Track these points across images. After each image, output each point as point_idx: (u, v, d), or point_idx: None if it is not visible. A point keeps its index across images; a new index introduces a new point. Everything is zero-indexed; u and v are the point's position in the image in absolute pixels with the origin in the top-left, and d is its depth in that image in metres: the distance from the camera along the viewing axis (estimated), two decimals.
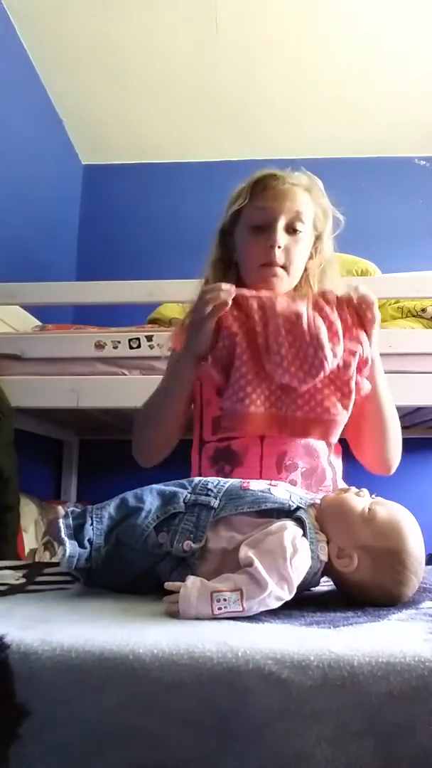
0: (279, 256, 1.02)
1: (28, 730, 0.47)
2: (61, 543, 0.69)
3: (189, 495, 0.72)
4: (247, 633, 0.53)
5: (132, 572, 0.71)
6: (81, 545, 0.69)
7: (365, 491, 0.72)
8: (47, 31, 2.14)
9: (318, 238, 1.09)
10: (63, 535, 0.69)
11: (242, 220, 1.07)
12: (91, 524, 0.70)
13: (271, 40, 2.19)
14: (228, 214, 1.09)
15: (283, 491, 0.72)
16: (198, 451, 1.06)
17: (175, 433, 1.09)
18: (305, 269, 1.09)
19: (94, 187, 2.86)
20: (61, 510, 1.98)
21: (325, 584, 0.71)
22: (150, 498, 0.72)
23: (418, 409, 1.78)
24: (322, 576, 0.68)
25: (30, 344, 1.68)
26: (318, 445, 1.02)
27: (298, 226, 1.04)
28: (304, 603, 0.64)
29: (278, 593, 0.59)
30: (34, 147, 2.33)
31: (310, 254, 1.09)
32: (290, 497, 0.70)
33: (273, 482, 0.76)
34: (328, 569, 0.67)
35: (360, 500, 0.69)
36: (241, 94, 2.45)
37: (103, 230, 2.79)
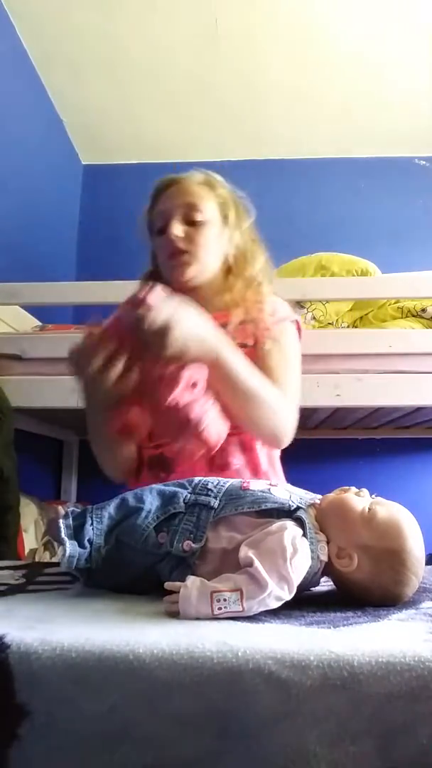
0: (179, 244, 1.05)
1: (28, 730, 0.47)
2: (61, 543, 0.69)
3: (189, 495, 0.72)
4: (247, 633, 0.53)
5: (132, 572, 0.71)
6: (81, 545, 0.69)
7: (365, 491, 0.72)
8: (47, 31, 2.14)
9: (225, 223, 1.10)
10: (63, 535, 0.69)
11: (151, 228, 1.12)
12: (91, 524, 0.70)
13: (272, 40, 2.19)
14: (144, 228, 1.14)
15: (283, 491, 0.72)
16: (138, 457, 1.05)
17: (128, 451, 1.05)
18: (227, 261, 1.10)
19: (94, 187, 2.86)
20: (61, 510, 1.98)
21: (325, 584, 0.71)
22: (150, 498, 0.72)
23: (418, 409, 1.78)
24: (322, 576, 0.68)
25: (30, 344, 1.68)
26: (249, 441, 1.03)
27: (196, 216, 1.06)
28: (304, 603, 0.64)
29: (278, 593, 0.59)
30: (34, 147, 2.33)
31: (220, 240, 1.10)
32: (290, 497, 0.70)
33: (273, 482, 0.76)
34: (328, 569, 0.67)
35: (360, 500, 0.69)
36: (241, 94, 2.45)
37: (103, 230, 2.78)
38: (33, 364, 1.66)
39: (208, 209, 1.07)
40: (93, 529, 0.70)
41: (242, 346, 1.01)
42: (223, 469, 0.99)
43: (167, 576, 0.67)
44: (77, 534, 0.69)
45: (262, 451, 1.05)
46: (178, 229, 1.05)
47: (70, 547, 0.68)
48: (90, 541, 0.69)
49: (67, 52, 2.25)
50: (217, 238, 1.08)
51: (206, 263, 1.07)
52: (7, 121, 2.07)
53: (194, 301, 0.99)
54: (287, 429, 1.01)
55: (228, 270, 1.11)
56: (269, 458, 1.07)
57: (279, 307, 1.11)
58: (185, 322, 0.83)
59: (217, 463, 0.99)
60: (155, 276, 1.13)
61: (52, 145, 2.59)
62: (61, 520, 0.70)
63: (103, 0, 2.02)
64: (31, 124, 2.32)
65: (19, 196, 2.17)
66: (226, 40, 2.18)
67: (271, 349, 1.04)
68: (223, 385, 0.91)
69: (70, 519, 0.71)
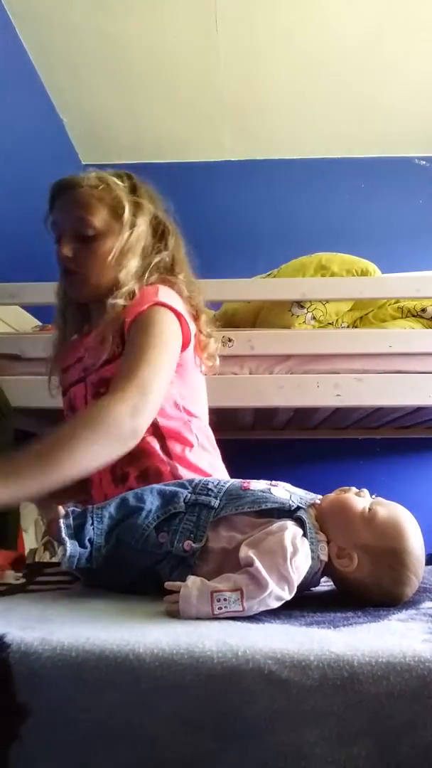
0: (69, 265, 1.04)
1: (28, 730, 0.47)
2: (62, 543, 0.69)
3: (189, 495, 0.72)
4: (247, 633, 0.53)
5: (132, 572, 0.71)
6: (81, 545, 0.69)
7: (365, 491, 0.72)
8: (47, 31, 2.14)
9: (117, 221, 1.05)
10: (63, 535, 0.69)
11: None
12: (92, 524, 0.70)
13: (272, 40, 2.19)
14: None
15: (283, 491, 0.72)
16: None
17: None
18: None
19: None
20: (61, 510, 1.97)
21: (325, 584, 0.71)
22: (150, 498, 0.72)
23: (418, 409, 1.78)
24: (322, 576, 0.68)
25: (30, 344, 1.68)
26: (143, 445, 0.96)
27: (87, 231, 1.03)
28: (304, 603, 0.64)
29: (278, 593, 0.59)
30: (34, 147, 2.33)
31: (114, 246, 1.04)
32: (290, 497, 0.70)
33: (273, 482, 0.76)
34: (328, 569, 0.67)
35: (360, 500, 0.69)
36: (242, 94, 2.45)
37: None
38: (33, 364, 1.66)
39: (99, 220, 1.03)
40: (93, 528, 0.70)
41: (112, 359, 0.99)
42: (125, 479, 0.98)
43: (167, 576, 0.67)
44: (78, 534, 0.70)
45: (156, 451, 0.99)
46: (67, 249, 1.03)
47: (71, 546, 0.68)
48: (90, 541, 0.69)
49: (67, 52, 2.25)
50: (110, 247, 1.03)
51: (99, 278, 1.04)
52: (6, 122, 2.07)
53: (97, 310, 1.06)
54: (122, 430, 0.87)
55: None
56: (166, 455, 1.00)
57: (145, 295, 1.02)
58: None
59: (117, 474, 0.98)
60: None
61: (52, 145, 2.59)
62: (61, 520, 0.70)
63: (102, 0, 2.02)
64: (31, 124, 2.32)
65: (19, 196, 2.17)
66: (226, 40, 2.18)
67: (130, 339, 0.98)
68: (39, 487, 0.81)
69: (71, 519, 0.71)
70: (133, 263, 1.04)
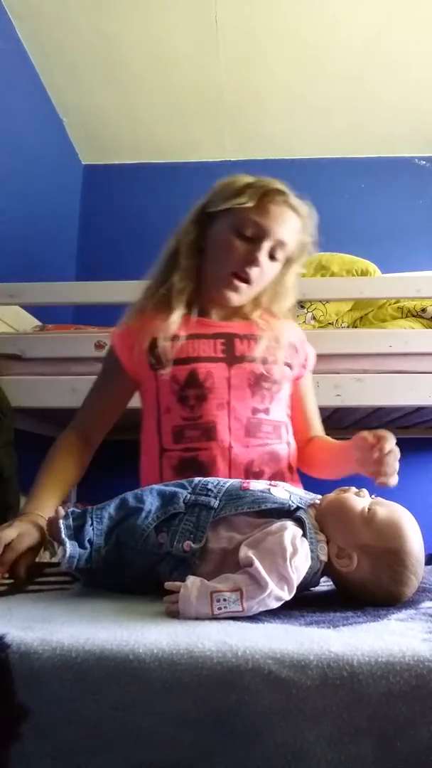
0: (254, 273, 1.03)
1: (28, 730, 0.47)
2: (62, 543, 0.69)
3: (189, 495, 0.72)
4: (247, 633, 0.53)
5: (132, 572, 0.71)
6: (81, 546, 0.69)
7: (365, 491, 0.72)
8: (47, 31, 2.14)
9: (287, 263, 1.09)
10: (63, 535, 0.69)
11: (233, 218, 1.04)
12: (92, 524, 0.70)
13: (271, 40, 2.19)
14: (220, 203, 1.06)
15: (283, 491, 0.72)
16: (158, 458, 1.03)
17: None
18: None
19: (94, 187, 2.86)
20: (61, 510, 1.97)
21: (325, 584, 0.71)
22: (150, 498, 0.72)
23: (418, 409, 1.78)
24: (322, 576, 0.68)
25: (30, 344, 1.68)
26: (281, 449, 1.04)
27: (279, 254, 1.05)
28: (304, 603, 0.64)
29: (278, 593, 0.59)
30: (34, 147, 2.33)
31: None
32: (290, 497, 0.70)
33: (273, 482, 0.76)
34: (328, 569, 0.67)
35: (360, 500, 0.69)
36: (241, 94, 2.45)
37: (103, 230, 2.79)
38: (33, 364, 1.66)
39: (289, 250, 1.06)
40: (93, 529, 0.70)
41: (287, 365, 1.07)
42: (258, 477, 1.00)
43: (167, 576, 0.67)
44: (77, 534, 0.70)
45: (284, 460, 1.06)
46: (261, 260, 1.03)
47: (71, 547, 0.68)
48: (90, 542, 0.69)
49: (67, 52, 2.25)
50: (277, 271, 1.09)
51: (254, 294, 1.09)
52: (7, 122, 2.07)
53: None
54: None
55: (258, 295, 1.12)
56: (289, 467, 1.08)
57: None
58: None
59: (254, 470, 1.00)
60: (197, 247, 1.09)
61: (52, 145, 2.59)
62: (61, 521, 0.70)
63: (103, 0, 2.02)
64: (31, 124, 2.32)
65: (19, 196, 2.17)
66: (226, 40, 2.18)
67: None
68: None
69: (71, 519, 0.71)
70: None
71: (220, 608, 0.58)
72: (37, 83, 2.36)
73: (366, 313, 1.93)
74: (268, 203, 1.02)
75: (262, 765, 0.46)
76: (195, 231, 1.09)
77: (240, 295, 1.06)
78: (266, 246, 1.02)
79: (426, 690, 0.46)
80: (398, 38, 2.16)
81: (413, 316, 1.80)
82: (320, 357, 1.59)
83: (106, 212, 2.81)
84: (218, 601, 0.58)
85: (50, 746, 0.47)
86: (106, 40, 2.19)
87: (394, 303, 1.85)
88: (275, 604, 0.60)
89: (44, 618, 0.58)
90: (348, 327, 1.91)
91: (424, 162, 2.81)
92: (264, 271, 1.05)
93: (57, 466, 1.04)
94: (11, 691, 0.47)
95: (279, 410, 1.07)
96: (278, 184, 1.04)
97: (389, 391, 1.59)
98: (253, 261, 1.02)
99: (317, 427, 1.18)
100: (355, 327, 1.93)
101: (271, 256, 1.04)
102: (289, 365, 1.08)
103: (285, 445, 1.06)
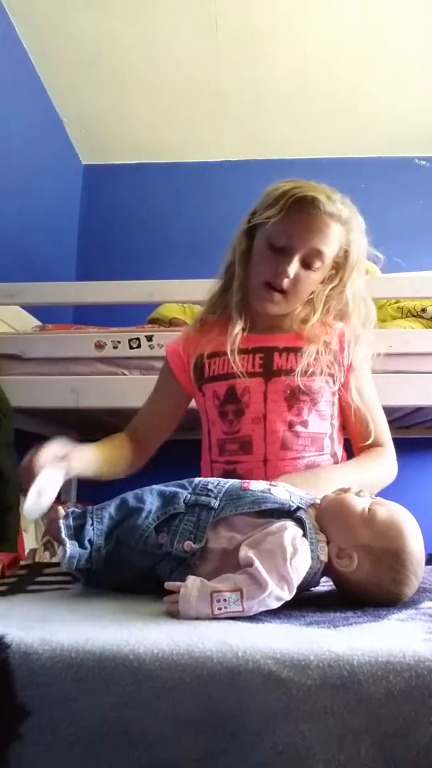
0: (285, 284, 1.01)
1: (28, 730, 0.47)
2: (62, 543, 0.69)
3: (189, 495, 0.72)
4: (247, 633, 0.53)
5: (132, 573, 0.71)
6: (81, 546, 0.69)
7: (365, 491, 0.72)
8: (47, 31, 2.14)
9: (338, 268, 1.06)
10: (63, 535, 0.69)
11: (267, 230, 1.02)
12: (92, 525, 0.70)
13: (271, 40, 2.19)
14: (259, 213, 1.04)
15: (283, 491, 0.72)
16: (210, 468, 1.08)
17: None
18: (312, 291, 1.07)
19: (94, 187, 2.87)
20: (61, 510, 1.97)
21: (325, 584, 0.71)
22: (150, 498, 0.72)
23: (418, 409, 1.78)
24: (322, 576, 0.68)
25: (30, 344, 1.69)
26: (323, 461, 1.04)
27: (315, 263, 1.01)
28: (304, 603, 0.64)
29: (278, 593, 0.59)
30: (34, 147, 2.33)
31: (322, 279, 1.06)
32: (290, 497, 0.70)
33: (273, 482, 0.76)
34: (328, 569, 0.67)
35: (360, 500, 0.69)
36: (241, 94, 2.45)
37: (103, 230, 2.79)
38: (33, 364, 1.66)
39: (329, 257, 1.02)
40: (93, 529, 0.70)
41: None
42: None
43: (167, 576, 0.67)
44: (77, 534, 0.69)
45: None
46: (293, 270, 1.00)
47: (71, 547, 0.68)
48: (90, 542, 0.69)
49: (67, 52, 2.25)
50: (319, 280, 1.05)
51: (294, 303, 1.06)
52: (7, 122, 2.07)
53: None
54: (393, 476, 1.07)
55: (311, 300, 1.08)
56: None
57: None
58: None
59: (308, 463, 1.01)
60: (249, 256, 1.07)
61: (52, 145, 2.59)
62: (61, 521, 0.70)
63: (103, 1, 2.02)
64: (31, 124, 2.32)
65: (19, 196, 2.17)
66: (226, 39, 2.18)
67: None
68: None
69: (71, 519, 0.71)
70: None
71: (220, 608, 0.58)
72: (37, 83, 2.37)
73: None
74: (299, 213, 0.99)
75: (262, 765, 0.46)
76: (245, 241, 1.08)
77: (276, 305, 1.04)
78: (297, 257, 1.00)
79: (426, 690, 0.46)
80: (398, 38, 2.17)
81: (413, 316, 1.80)
82: None
83: (106, 212, 2.81)
84: (218, 601, 0.58)
85: (50, 746, 0.47)
86: (106, 41, 2.19)
87: (394, 303, 1.85)
88: (275, 605, 0.59)
89: (44, 618, 0.58)
90: None
91: (424, 162, 2.81)
92: (301, 281, 1.02)
93: (104, 443, 1.11)
94: (11, 691, 0.47)
95: (319, 422, 1.05)
96: (311, 191, 0.99)
97: (389, 391, 1.58)
98: (282, 273, 1.00)
99: (375, 432, 1.07)
100: None
101: (308, 266, 1.01)
102: (331, 375, 1.05)
103: (329, 456, 1.05)
